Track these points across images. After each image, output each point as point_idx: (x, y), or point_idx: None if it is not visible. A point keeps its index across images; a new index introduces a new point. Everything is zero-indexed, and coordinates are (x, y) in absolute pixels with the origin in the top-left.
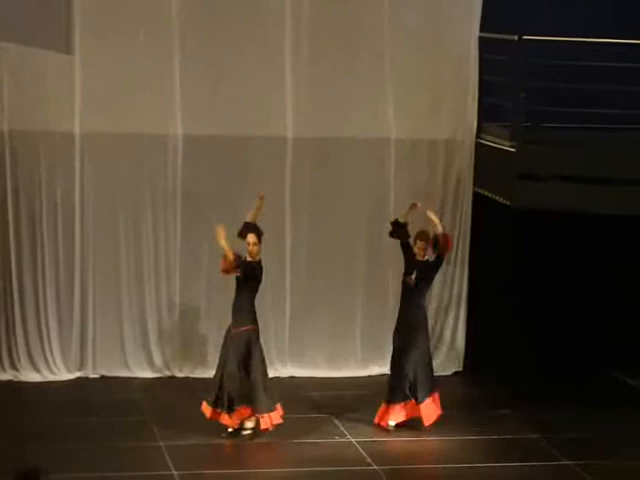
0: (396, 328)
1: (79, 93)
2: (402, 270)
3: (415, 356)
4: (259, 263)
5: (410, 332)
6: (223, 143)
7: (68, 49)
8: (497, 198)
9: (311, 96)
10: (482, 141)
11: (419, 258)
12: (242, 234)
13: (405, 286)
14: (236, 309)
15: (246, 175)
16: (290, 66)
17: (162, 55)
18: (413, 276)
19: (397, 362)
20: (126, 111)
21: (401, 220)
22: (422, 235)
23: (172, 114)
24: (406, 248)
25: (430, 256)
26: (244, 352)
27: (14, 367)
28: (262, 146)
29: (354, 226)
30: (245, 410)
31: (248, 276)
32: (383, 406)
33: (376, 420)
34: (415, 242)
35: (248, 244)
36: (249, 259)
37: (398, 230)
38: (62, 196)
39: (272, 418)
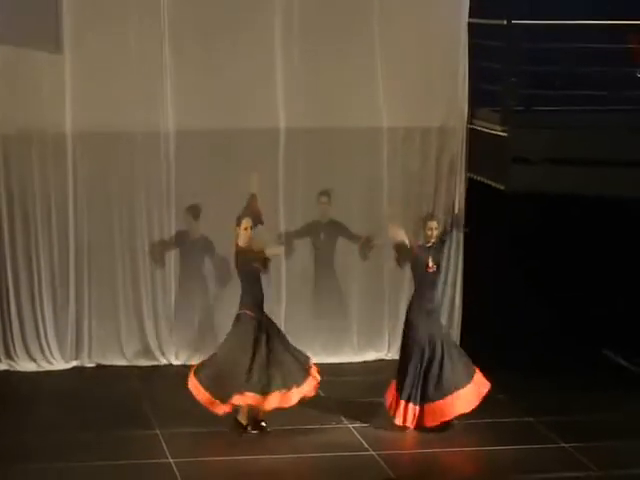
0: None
1: (70, 93)
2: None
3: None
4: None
5: (437, 319)
6: (215, 137)
7: (58, 49)
8: (491, 183)
9: (302, 87)
10: (474, 127)
11: (429, 243)
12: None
13: (424, 276)
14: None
15: (239, 168)
16: (281, 57)
17: (152, 52)
18: (431, 263)
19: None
20: (117, 109)
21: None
22: (431, 215)
23: (163, 110)
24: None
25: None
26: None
27: (10, 357)
28: (255, 138)
29: (348, 216)
30: None
31: None
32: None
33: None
34: (425, 224)
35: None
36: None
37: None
38: (55, 196)
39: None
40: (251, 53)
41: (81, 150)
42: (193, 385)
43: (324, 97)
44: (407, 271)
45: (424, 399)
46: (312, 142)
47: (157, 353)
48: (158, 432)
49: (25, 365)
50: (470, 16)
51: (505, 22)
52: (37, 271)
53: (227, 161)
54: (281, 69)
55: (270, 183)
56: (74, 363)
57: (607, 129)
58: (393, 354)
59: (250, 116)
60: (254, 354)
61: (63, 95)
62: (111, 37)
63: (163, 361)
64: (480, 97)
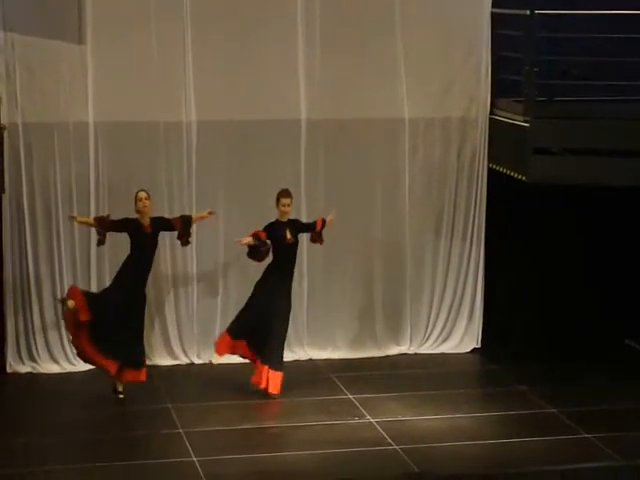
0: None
1: (92, 83)
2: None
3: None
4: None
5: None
6: (237, 128)
7: (80, 39)
8: (512, 174)
9: (324, 78)
10: (496, 117)
11: (283, 219)
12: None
13: (284, 247)
14: None
15: (261, 159)
16: (303, 49)
17: (174, 41)
18: (289, 235)
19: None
20: (139, 99)
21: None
22: (286, 192)
23: (186, 101)
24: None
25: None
26: None
27: (33, 359)
28: (276, 129)
29: (369, 207)
30: None
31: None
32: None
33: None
34: (279, 200)
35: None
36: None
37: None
38: (77, 186)
39: None
40: (273, 44)
41: (103, 140)
42: None
43: (345, 88)
44: (428, 272)
45: None
46: (333, 133)
47: (179, 352)
48: (181, 431)
49: (48, 367)
50: (493, 6)
51: (528, 12)
52: (59, 271)
53: (248, 151)
54: (303, 60)
55: (292, 174)
56: None
57: (629, 119)
58: (415, 348)
59: (272, 107)
60: None
61: (85, 85)
62: (133, 27)
63: (185, 360)
64: (501, 87)
